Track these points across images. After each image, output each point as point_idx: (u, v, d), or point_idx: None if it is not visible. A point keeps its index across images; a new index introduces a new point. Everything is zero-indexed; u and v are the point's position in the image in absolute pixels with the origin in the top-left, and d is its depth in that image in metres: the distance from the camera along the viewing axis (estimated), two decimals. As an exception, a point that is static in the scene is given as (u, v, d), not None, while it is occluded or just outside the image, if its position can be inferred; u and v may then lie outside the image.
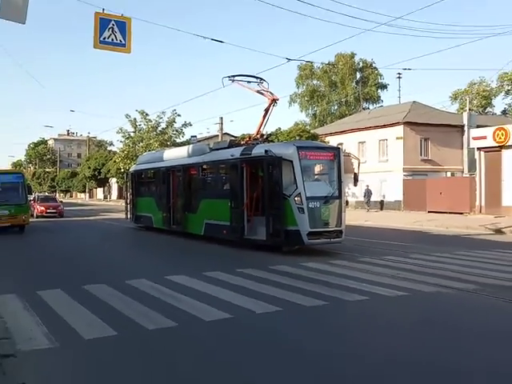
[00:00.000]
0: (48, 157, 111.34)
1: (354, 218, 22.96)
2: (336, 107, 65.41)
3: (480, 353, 5.48)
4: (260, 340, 6.07)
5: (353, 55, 62.67)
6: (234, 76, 17.05)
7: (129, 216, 23.70)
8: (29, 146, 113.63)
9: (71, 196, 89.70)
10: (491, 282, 9.14)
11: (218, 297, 8.04)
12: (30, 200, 32.92)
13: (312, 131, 41.51)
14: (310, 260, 11.98)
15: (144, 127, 48.00)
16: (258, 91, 16.78)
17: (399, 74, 55.15)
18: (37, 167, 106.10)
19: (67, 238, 19.72)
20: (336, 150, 14.50)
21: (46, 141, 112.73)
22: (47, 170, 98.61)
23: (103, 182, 68.09)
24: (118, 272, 10.84)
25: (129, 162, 44.63)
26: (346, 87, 62.87)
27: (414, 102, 41.79)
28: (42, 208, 31.84)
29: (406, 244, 15.48)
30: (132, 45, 11.91)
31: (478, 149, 27.79)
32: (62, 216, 32.03)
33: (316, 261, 11.89)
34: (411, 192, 32.85)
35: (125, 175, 30.12)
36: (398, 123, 35.94)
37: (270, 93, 16.46)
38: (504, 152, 26.01)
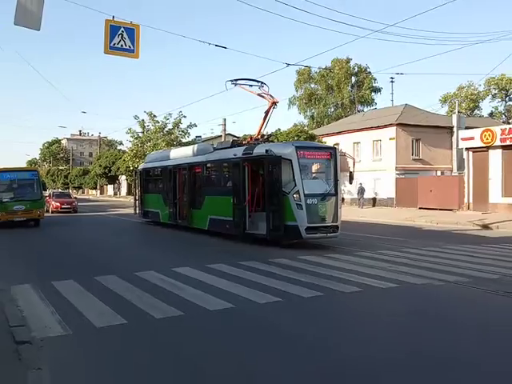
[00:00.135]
0: (61, 155, 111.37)
1: (348, 213, 22.95)
2: (332, 109, 65.26)
3: (464, 342, 5.48)
4: (261, 328, 6.06)
5: (348, 60, 62.47)
6: (236, 80, 17.03)
7: (137, 211, 23.67)
8: (43, 145, 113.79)
9: (83, 192, 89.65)
10: (479, 275, 9.12)
11: (221, 288, 8.03)
12: (46, 196, 32.95)
13: (310, 132, 41.39)
14: (308, 253, 11.98)
15: (152, 128, 47.93)
16: (259, 94, 16.75)
17: (392, 78, 55.21)
18: (51, 165, 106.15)
19: (79, 232, 19.72)
20: (332, 150, 14.47)
21: (60, 140, 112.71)
22: (60, 167, 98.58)
23: (113, 179, 68.01)
24: (127, 264, 10.85)
25: (137, 160, 44.59)
26: (342, 90, 62.71)
27: (406, 104, 41.67)
28: (58, 204, 31.45)
29: (398, 239, 15.47)
30: (140, 50, 11.89)
31: (467, 149, 27.73)
32: (76, 212, 31.65)
33: (313, 254, 11.89)
34: (403, 189, 32.81)
35: (133, 173, 30.05)
36: (390, 125, 35.86)
37: (271, 96, 16.42)
38: (491, 152, 25.96)
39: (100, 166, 65.24)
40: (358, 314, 6.97)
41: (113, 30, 11.56)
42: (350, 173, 14.93)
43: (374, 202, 35.77)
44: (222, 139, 38.58)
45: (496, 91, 58.96)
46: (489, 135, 25.84)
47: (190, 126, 47.84)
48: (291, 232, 13.10)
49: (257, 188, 14.31)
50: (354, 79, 64.12)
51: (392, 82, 56.69)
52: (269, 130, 38.03)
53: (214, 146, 18.76)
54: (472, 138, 27.08)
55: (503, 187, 25.12)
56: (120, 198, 66.70)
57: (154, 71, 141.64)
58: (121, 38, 11.59)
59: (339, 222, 13.59)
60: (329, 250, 12.71)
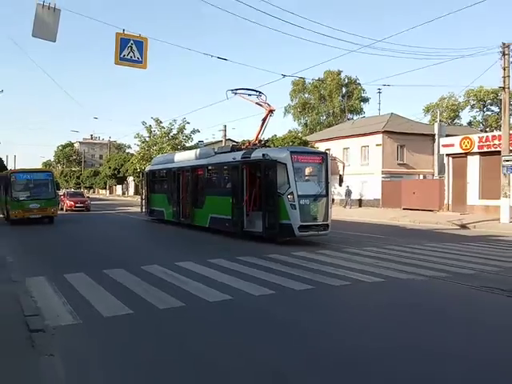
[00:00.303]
0: (74, 158, 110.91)
1: (339, 213, 22.96)
2: (324, 117, 65.31)
3: (440, 331, 5.49)
4: (257, 318, 6.05)
5: (339, 72, 62.57)
6: (236, 89, 17.02)
7: (144, 210, 23.60)
8: (57, 147, 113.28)
9: (94, 192, 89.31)
10: (458, 271, 9.13)
11: (221, 281, 8.02)
12: (60, 195, 32.77)
13: (303, 138, 41.38)
14: (301, 250, 11.97)
15: (158, 133, 47.76)
16: (257, 103, 16.73)
17: (379, 89, 55.34)
18: (64, 167, 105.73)
19: (90, 229, 19.66)
20: (324, 155, 14.48)
21: (73, 144, 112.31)
22: (73, 169, 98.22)
23: (122, 180, 67.87)
24: (134, 258, 10.82)
25: (144, 162, 44.41)
26: (333, 100, 62.81)
27: (392, 113, 41.73)
28: (71, 203, 30.79)
29: (384, 237, 15.48)
30: (148, 62, 11.86)
31: (447, 155, 27.78)
32: (89, 210, 30.92)
33: (305, 250, 11.87)
34: (389, 192, 32.85)
35: (141, 174, 30.01)
36: (377, 132, 35.92)
37: (268, 104, 16.43)
38: (469, 158, 26.02)
39: (110, 167, 65.10)
40: (347, 305, 6.97)
41: (123, 42, 11.53)
42: (340, 176, 14.94)
43: (359, 202, 35.89)
44: (223, 144, 38.55)
45: (474, 102, 59.16)
46: (468, 142, 25.90)
47: (193, 131, 47.68)
48: (285, 230, 13.08)
49: (254, 189, 14.30)
50: (344, 90, 64.21)
51: (379, 92, 56.94)
52: (266, 135, 37.98)
53: (215, 150, 18.72)
54: (452, 145, 27.14)
55: (480, 190, 25.19)
56: (128, 197, 66.57)
57: (160, 81, 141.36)
58: (130, 50, 11.57)
59: (329, 221, 13.59)
60: (320, 247, 12.70)
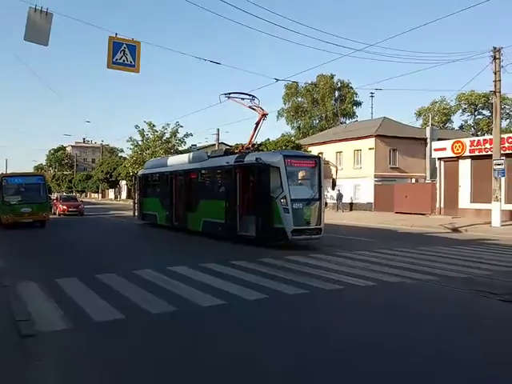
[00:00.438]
0: (66, 161, 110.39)
1: (332, 217, 23.03)
2: (317, 121, 65.56)
3: (429, 332, 5.53)
4: (250, 322, 6.06)
5: (332, 76, 62.85)
6: (229, 93, 17.03)
7: (136, 214, 23.55)
8: (49, 151, 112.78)
9: (86, 196, 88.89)
10: (449, 274, 9.19)
11: (213, 285, 8.00)
12: (53, 199, 32.49)
13: (296, 142, 41.53)
14: (293, 253, 11.97)
15: (151, 136, 47.61)
16: (250, 107, 16.77)
17: (372, 93, 55.21)
18: (56, 170, 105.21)
19: (82, 233, 19.55)
20: (317, 159, 14.54)
21: (65, 147, 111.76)
22: (65, 172, 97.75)
23: (114, 184, 67.63)
24: (126, 263, 10.77)
25: (137, 166, 44.24)
26: (326, 104, 63.04)
27: (385, 117, 42.00)
28: (64, 207, 30.47)
29: (376, 240, 15.55)
30: (141, 65, 11.88)
31: (439, 159, 28.02)
32: (83, 214, 30.57)
33: (298, 254, 11.88)
34: (381, 195, 33.04)
35: (133, 178, 29.94)
36: (370, 136, 36.14)
37: (261, 108, 16.46)
38: (461, 162, 26.26)
39: (102, 171, 64.90)
40: (340, 309, 6.98)
41: (116, 46, 11.55)
42: (333, 179, 15.03)
43: (351, 206, 36.05)
44: (216, 148, 38.53)
45: (466, 106, 59.74)
46: (459, 146, 26.14)
47: (187, 135, 47.58)
48: (278, 234, 13.10)
49: (247, 193, 14.31)
50: (337, 94, 64.53)
51: (372, 96, 57.03)
52: (259, 139, 38.20)
53: (209, 154, 18.73)
54: (444, 149, 27.38)
55: (471, 194, 25.41)
56: (120, 201, 66.30)
57: (153, 85, 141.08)
58: (123, 54, 11.58)
59: (322, 225, 13.63)
60: (312, 251, 12.71)
